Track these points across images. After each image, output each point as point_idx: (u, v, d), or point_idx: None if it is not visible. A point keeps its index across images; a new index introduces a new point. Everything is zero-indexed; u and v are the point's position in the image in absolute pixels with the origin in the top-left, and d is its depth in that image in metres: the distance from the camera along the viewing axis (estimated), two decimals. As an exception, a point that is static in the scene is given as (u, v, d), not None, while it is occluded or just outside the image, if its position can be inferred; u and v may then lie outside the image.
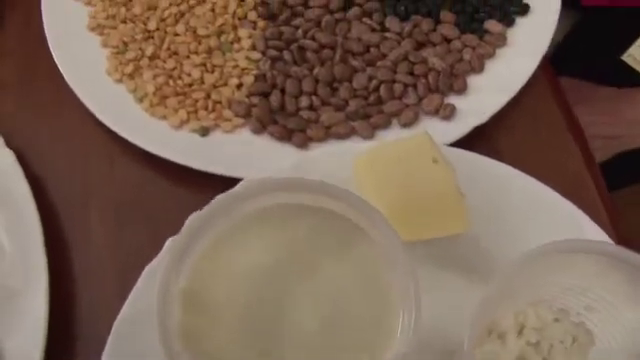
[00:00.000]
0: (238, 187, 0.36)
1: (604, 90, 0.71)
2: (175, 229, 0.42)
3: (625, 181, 0.78)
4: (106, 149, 0.48)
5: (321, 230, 0.33)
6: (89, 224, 0.46)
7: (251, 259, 0.33)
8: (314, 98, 0.47)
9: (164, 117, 0.46)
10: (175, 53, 0.49)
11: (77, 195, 0.47)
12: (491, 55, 0.49)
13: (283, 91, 0.47)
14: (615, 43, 0.74)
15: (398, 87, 0.47)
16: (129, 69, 0.48)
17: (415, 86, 0.47)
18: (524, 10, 0.52)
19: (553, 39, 0.56)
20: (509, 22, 0.51)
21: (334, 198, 0.32)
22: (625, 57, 0.73)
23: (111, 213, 0.46)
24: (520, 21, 0.51)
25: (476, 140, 0.47)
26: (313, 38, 0.49)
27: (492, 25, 0.50)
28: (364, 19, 0.50)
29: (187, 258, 0.32)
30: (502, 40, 0.50)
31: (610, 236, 0.42)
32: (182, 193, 0.46)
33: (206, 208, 0.33)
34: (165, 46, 0.49)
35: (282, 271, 0.33)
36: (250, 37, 0.50)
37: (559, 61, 0.77)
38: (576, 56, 0.78)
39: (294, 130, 0.45)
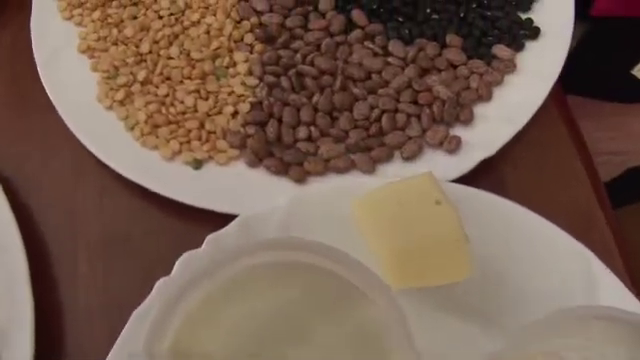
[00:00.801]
0: (233, 246, 0.34)
1: (611, 105, 0.69)
2: (167, 266, 0.40)
3: (631, 197, 0.76)
4: (96, 179, 0.45)
5: (316, 289, 0.31)
6: (76, 259, 0.44)
7: (241, 320, 0.31)
8: (313, 129, 0.44)
9: (156, 147, 0.44)
10: (168, 78, 0.47)
11: (65, 227, 0.45)
12: (499, 82, 0.46)
13: (280, 120, 0.44)
14: (624, 56, 0.72)
15: (401, 117, 0.44)
16: (120, 95, 0.46)
17: (419, 116, 0.44)
18: (535, 34, 0.49)
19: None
20: (518, 47, 0.48)
21: (332, 260, 0.29)
22: (636, 71, 0.70)
23: (99, 248, 0.44)
24: (530, 45, 0.48)
25: (480, 171, 0.44)
26: (312, 63, 0.46)
27: (501, 50, 0.47)
28: (366, 43, 0.47)
29: (174, 317, 0.30)
30: (511, 66, 0.47)
31: (623, 281, 0.40)
32: (175, 228, 0.44)
33: (192, 269, 0.32)
34: (158, 70, 0.47)
35: (275, 334, 0.30)
36: (246, 61, 0.47)
37: (564, 76, 0.74)
38: (583, 70, 0.76)
39: (291, 164, 0.43)
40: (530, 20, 0.49)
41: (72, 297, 0.43)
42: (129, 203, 0.44)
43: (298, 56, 0.46)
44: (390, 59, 0.46)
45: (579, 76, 0.74)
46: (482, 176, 0.44)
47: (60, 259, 0.44)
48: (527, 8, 0.50)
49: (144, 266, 0.43)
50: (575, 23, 0.76)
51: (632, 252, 0.48)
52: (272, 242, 0.31)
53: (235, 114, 0.45)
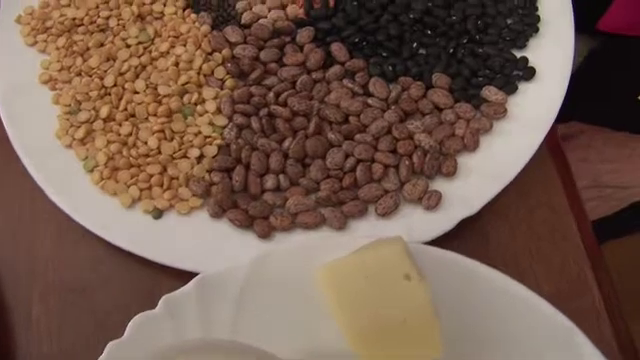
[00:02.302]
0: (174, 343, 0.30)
1: (617, 135, 0.64)
2: (123, 321, 0.37)
3: (630, 231, 0.71)
4: (54, 223, 0.42)
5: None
6: (31, 305, 0.40)
7: None
8: (282, 177, 0.40)
9: (115, 194, 0.41)
10: (132, 115, 0.43)
11: (21, 274, 0.41)
12: (487, 130, 0.42)
13: (248, 167, 0.41)
14: (633, 80, 0.67)
15: (378, 168, 0.40)
16: (80, 133, 0.42)
17: (397, 167, 0.40)
18: (529, 75, 0.44)
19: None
20: (511, 89, 0.43)
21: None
22: (643, 98, 0.65)
23: (55, 295, 0.40)
24: (524, 87, 0.44)
25: (461, 223, 0.40)
26: (285, 103, 0.42)
27: (491, 93, 0.43)
28: (345, 81, 0.43)
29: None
30: (502, 111, 0.42)
31: (609, 348, 0.36)
32: (134, 278, 0.40)
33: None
34: (122, 106, 0.43)
35: None
36: (216, 98, 0.43)
37: (568, 99, 0.69)
38: (589, 93, 0.71)
39: (256, 217, 0.39)
40: (525, 59, 0.44)
41: (25, 344, 0.40)
42: (87, 250, 0.41)
43: (271, 95, 0.42)
44: (370, 100, 0.42)
45: (584, 99, 0.69)
46: (463, 229, 0.41)
47: (15, 304, 0.41)
48: (523, 45, 0.45)
49: (100, 317, 0.40)
50: (582, 38, 0.71)
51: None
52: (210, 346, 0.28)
53: (201, 158, 0.41)
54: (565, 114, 0.66)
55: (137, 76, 0.44)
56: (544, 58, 0.44)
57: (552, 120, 0.42)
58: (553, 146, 0.44)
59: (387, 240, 0.37)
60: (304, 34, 0.44)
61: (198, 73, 0.44)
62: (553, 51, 0.44)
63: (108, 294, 0.40)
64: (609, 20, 0.67)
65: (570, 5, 0.46)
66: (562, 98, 0.43)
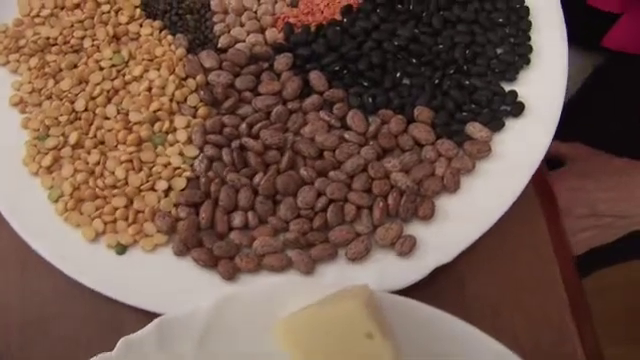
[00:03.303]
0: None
1: (617, 162, 0.60)
2: (84, 356, 0.36)
3: (625, 258, 0.68)
4: (18, 254, 0.40)
5: None
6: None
7: None
8: (250, 215, 0.38)
9: (78, 226, 0.39)
10: (102, 142, 0.41)
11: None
12: (470, 170, 0.39)
13: (216, 202, 0.39)
14: (637, 99, 0.63)
15: (350, 209, 0.38)
16: (47, 161, 0.40)
17: (371, 209, 0.38)
18: (518, 111, 0.41)
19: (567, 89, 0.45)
20: (497, 126, 0.40)
21: None
22: (645, 121, 0.62)
23: (16, 332, 0.39)
24: (511, 123, 0.41)
25: (436, 268, 0.37)
26: (258, 135, 0.40)
27: (476, 129, 0.40)
28: (322, 113, 0.40)
29: None
30: (486, 150, 0.39)
31: None
32: (97, 313, 0.39)
33: None
34: (91, 133, 0.41)
35: None
36: (188, 127, 0.41)
37: (571, 117, 0.66)
38: (591, 111, 0.67)
39: (221, 257, 0.37)
40: (514, 93, 0.41)
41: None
42: (50, 283, 0.39)
43: (244, 126, 0.40)
44: (347, 134, 0.40)
45: (588, 117, 0.66)
46: (439, 274, 0.38)
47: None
48: (512, 77, 0.42)
49: (60, 353, 0.39)
50: (587, 55, 0.68)
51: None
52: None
53: (169, 190, 0.40)
54: (567, 132, 0.63)
55: (109, 100, 0.42)
56: (534, 92, 0.41)
57: (539, 160, 0.39)
58: (540, 185, 0.42)
59: (352, 290, 0.35)
60: (282, 61, 0.42)
61: (171, 100, 0.42)
62: (545, 85, 0.41)
63: (70, 328, 0.39)
64: (614, 37, 0.64)
65: (565, 36, 0.43)
66: (551, 136, 0.40)
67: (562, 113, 0.68)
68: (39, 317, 0.39)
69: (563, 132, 0.63)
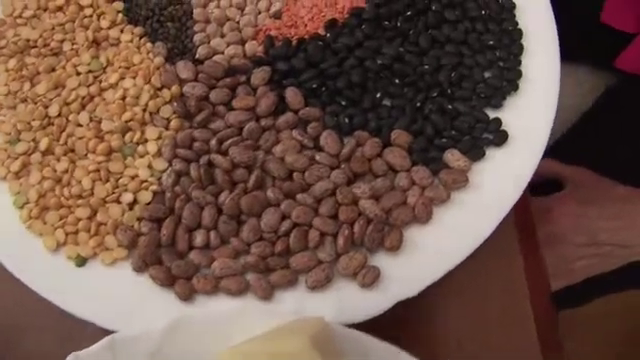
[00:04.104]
0: None
1: (621, 189, 0.57)
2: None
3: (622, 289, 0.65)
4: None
5: None
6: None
7: None
8: (212, 234, 0.37)
9: (41, 235, 0.38)
10: (72, 150, 0.40)
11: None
12: (444, 200, 0.37)
13: (180, 219, 0.38)
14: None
15: (314, 235, 0.36)
16: (16, 166, 0.39)
17: (336, 236, 0.36)
18: (501, 140, 0.38)
19: (576, 109, 0.43)
20: (477, 155, 0.38)
21: None
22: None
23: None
24: (493, 153, 0.39)
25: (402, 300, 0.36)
26: (228, 152, 0.39)
27: (454, 157, 0.38)
28: (295, 132, 0.39)
29: None
30: (462, 180, 0.37)
31: None
32: (57, 323, 0.38)
33: None
34: (62, 139, 0.40)
35: None
36: (159, 138, 0.40)
37: (578, 139, 0.63)
38: (599, 136, 0.64)
39: (179, 277, 0.36)
40: (498, 121, 0.39)
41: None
42: (13, 290, 0.39)
43: (214, 141, 0.39)
44: (318, 156, 0.38)
45: (595, 140, 0.63)
46: (405, 306, 0.36)
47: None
48: (498, 104, 0.39)
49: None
50: (600, 74, 0.65)
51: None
52: None
53: (134, 204, 0.39)
54: (572, 154, 0.60)
55: (83, 107, 0.41)
56: (520, 121, 0.39)
57: (519, 194, 0.37)
58: (520, 216, 0.39)
59: (306, 322, 0.33)
60: (258, 75, 0.40)
61: (144, 110, 0.40)
62: (532, 114, 0.39)
63: (32, 340, 0.38)
64: (628, 59, 0.61)
65: (558, 62, 0.40)
66: (534, 170, 0.38)
67: (568, 134, 0.65)
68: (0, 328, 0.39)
69: (568, 154, 0.61)
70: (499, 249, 0.38)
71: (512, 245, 0.38)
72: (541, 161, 0.39)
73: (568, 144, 0.63)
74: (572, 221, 0.57)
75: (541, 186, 0.53)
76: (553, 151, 0.44)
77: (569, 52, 0.47)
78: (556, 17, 0.45)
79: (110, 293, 0.36)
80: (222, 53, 0.42)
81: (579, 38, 0.59)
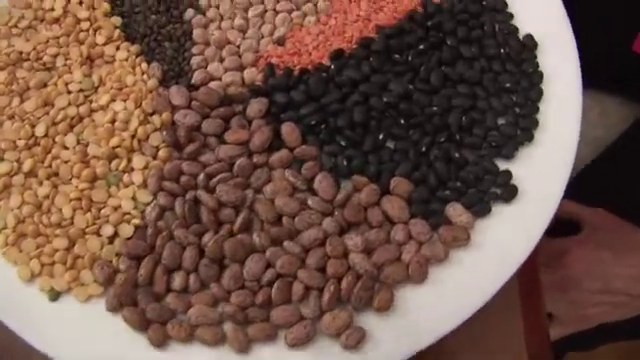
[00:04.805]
0: None
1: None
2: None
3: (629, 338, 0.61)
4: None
5: None
6: None
7: None
8: (192, 277, 0.34)
9: (15, 263, 0.36)
10: (55, 174, 0.38)
11: None
12: (441, 260, 0.35)
13: (159, 258, 0.36)
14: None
15: (298, 288, 0.33)
16: None
17: (321, 291, 0.34)
18: (509, 196, 0.35)
19: (598, 142, 0.39)
20: (482, 211, 0.35)
21: None
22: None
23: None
24: (500, 209, 0.36)
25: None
26: (215, 189, 0.36)
27: (456, 212, 0.35)
28: (288, 172, 0.36)
29: None
30: (463, 238, 0.34)
31: None
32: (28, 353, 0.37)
33: None
34: (47, 162, 0.38)
35: None
36: (146, 168, 0.37)
37: (598, 178, 0.59)
38: (621, 175, 0.60)
39: (153, 321, 0.34)
40: (508, 174, 0.36)
41: None
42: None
43: (202, 176, 0.36)
44: (311, 201, 0.35)
45: (612, 181, 0.59)
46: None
47: None
48: (510, 155, 0.36)
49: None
50: (629, 105, 0.60)
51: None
52: None
53: (114, 237, 0.37)
54: (591, 194, 0.57)
55: (71, 128, 0.39)
56: (532, 175, 0.35)
57: (526, 255, 0.34)
58: (524, 277, 0.36)
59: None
60: (255, 107, 0.37)
61: (132, 136, 0.38)
62: (545, 168, 0.36)
63: None
64: None
65: (579, 112, 0.37)
66: (544, 230, 0.35)
67: (588, 170, 0.61)
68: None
69: (586, 192, 0.57)
70: (497, 309, 0.35)
71: (514, 308, 0.35)
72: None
73: (587, 182, 0.59)
74: (587, 266, 0.53)
75: (558, 226, 0.49)
76: (571, 188, 0.41)
77: (596, 80, 0.43)
78: (584, 45, 0.41)
79: (81, 332, 0.34)
80: (219, 79, 0.39)
81: (608, 67, 0.55)
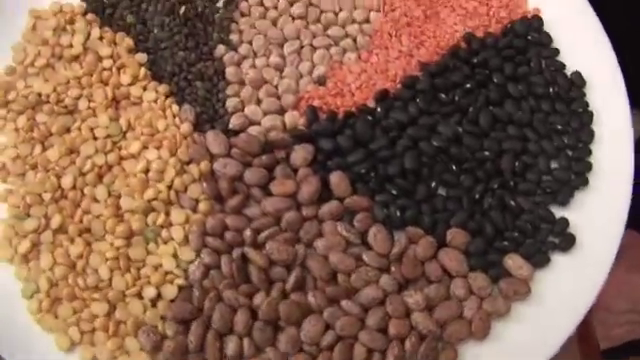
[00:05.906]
0: None
1: None
2: None
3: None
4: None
5: None
6: None
7: None
8: (246, 342, 0.32)
9: (51, 331, 0.34)
10: (87, 230, 0.35)
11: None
12: (502, 315, 0.34)
13: (209, 321, 0.33)
14: None
15: (360, 351, 0.32)
16: (24, 247, 0.34)
17: (384, 353, 0.32)
18: (567, 244, 0.34)
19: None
20: (541, 262, 0.34)
21: None
22: None
23: None
24: (558, 258, 0.35)
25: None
26: (264, 245, 0.34)
27: (515, 264, 0.33)
28: (340, 226, 0.34)
29: None
30: (524, 291, 0.33)
31: None
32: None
33: None
34: (77, 217, 0.35)
35: None
36: (186, 222, 0.35)
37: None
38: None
39: (208, 393, 0.32)
40: (565, 222, 0.35)
41: None
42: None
43: (249, 232, 0.34)
44: (366, 256, 0.33)
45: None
46: None
47: None
48: (565, 201, 0.35)
49: None
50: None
51: None
52: None
53: (157, 300, 0.34)
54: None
55: (100, 179, 0.36)
56: (589, 222, 0.34)
57: (588, 305, 0.33)
58: (582, 325, 0.36)
59: None
60: (300, 154, 0.35)
61: (169, 187, 0.35)
62: (602, 214, 0.35)
63: None
64: None
65: (632, 149, 0.36)
66: (606, 276, 0.34)
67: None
68: None
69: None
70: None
71: (571, 347, 0.34)
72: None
73: None
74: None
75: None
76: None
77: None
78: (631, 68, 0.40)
79: (130, 404, 0.32)
80: (258, 124, 0.37)
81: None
